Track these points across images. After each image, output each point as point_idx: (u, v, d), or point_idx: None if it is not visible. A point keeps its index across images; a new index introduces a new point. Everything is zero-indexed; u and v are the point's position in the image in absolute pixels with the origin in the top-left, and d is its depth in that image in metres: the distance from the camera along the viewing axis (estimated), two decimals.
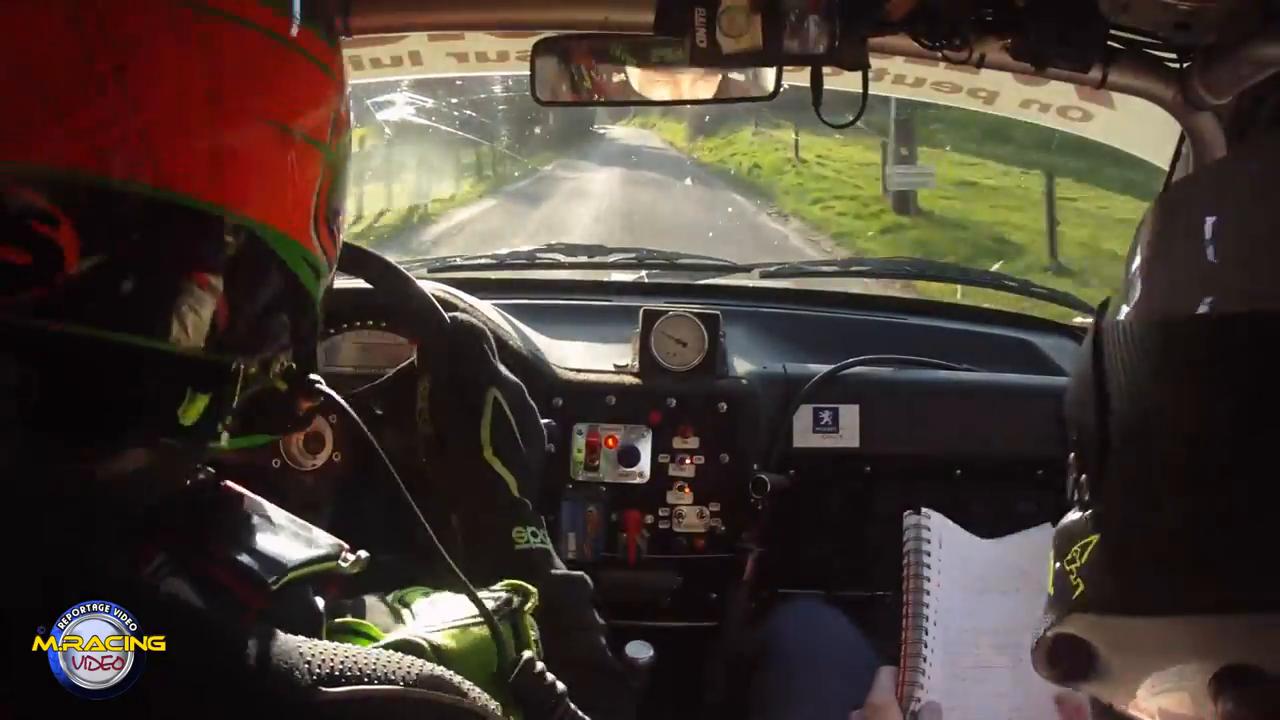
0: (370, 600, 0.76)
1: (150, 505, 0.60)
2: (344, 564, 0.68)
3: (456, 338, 1.05)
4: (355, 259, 1.05)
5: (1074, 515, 0.51)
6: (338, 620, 0.67)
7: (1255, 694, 0.45)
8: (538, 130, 9.78)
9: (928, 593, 0.98)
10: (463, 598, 0.75)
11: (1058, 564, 0.52)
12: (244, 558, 0.61)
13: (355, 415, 0.74)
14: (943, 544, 0.99)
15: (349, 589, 0.71)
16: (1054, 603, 0.52)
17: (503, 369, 1.05)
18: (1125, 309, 0.49)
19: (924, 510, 1.02)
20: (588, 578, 0.98)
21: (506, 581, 0.81)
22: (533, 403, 1.07)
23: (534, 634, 0.78)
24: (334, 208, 0.64)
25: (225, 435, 0.61)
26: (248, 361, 0.59)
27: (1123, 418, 0.48)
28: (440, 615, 0.73)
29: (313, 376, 0.67)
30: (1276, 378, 0.42)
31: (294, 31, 0.58)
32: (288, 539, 0.66)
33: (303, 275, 0.61)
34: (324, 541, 0.68)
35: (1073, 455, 0.52)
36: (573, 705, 0.74)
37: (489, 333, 1.07)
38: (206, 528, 0.62)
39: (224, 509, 0.65)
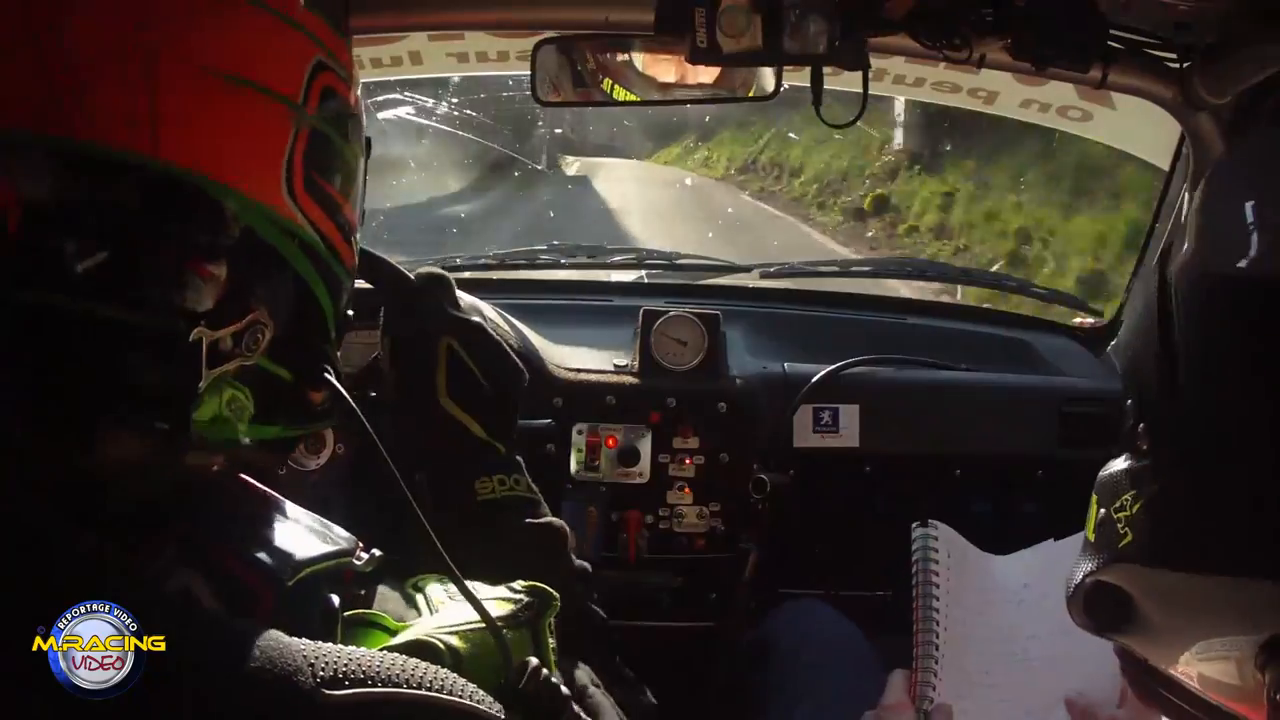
0: (383, 589, 0.75)
1: (160, 495, 0.59)
2: (358, 561, 0.67)
3: (410, 291, 1.00)
4: None
5: (1124, 462, 0.49)
6: (350, 613, 0.67)
7: None
8: None
9: (936, 599, 0.98)
10: (485, 592, 0.73)
11: (1102, 510, 0.49)
12: (258, 552, 0.60)
13: (359, 410, 0.71)
14: (951, 555, 1.00)
15: (362, 579, 0.70)
16: (1095, 549, 0.50)
17: (459, 314, 1.00)
18: (1185, 255, 0.47)
19: (931, 521, 1.02)
20: (566, 527, 0.93)
21: (526, 583, 0.78)
22: (500, 339, 1.01)
23: (552, 643, 0.76)
24: (326, 179, 0.61)
25: (243, 427, 0.60)
26: (210, 334, 0.56)
27: (1190, 368, 0.46)
28: (458, 613, 0.71)
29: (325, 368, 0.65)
30: None
31: None
32: (304, 534, 0.65)
33: (278, 243, 0.58)
34: (341, 537, 0.67)
35: (1130, 401, 0.50)
36: (579, 710, 0.72)
37: (449, 280, 1.01)
38: (222, 519, 0.62)
39: (241, 502, 0.65)
